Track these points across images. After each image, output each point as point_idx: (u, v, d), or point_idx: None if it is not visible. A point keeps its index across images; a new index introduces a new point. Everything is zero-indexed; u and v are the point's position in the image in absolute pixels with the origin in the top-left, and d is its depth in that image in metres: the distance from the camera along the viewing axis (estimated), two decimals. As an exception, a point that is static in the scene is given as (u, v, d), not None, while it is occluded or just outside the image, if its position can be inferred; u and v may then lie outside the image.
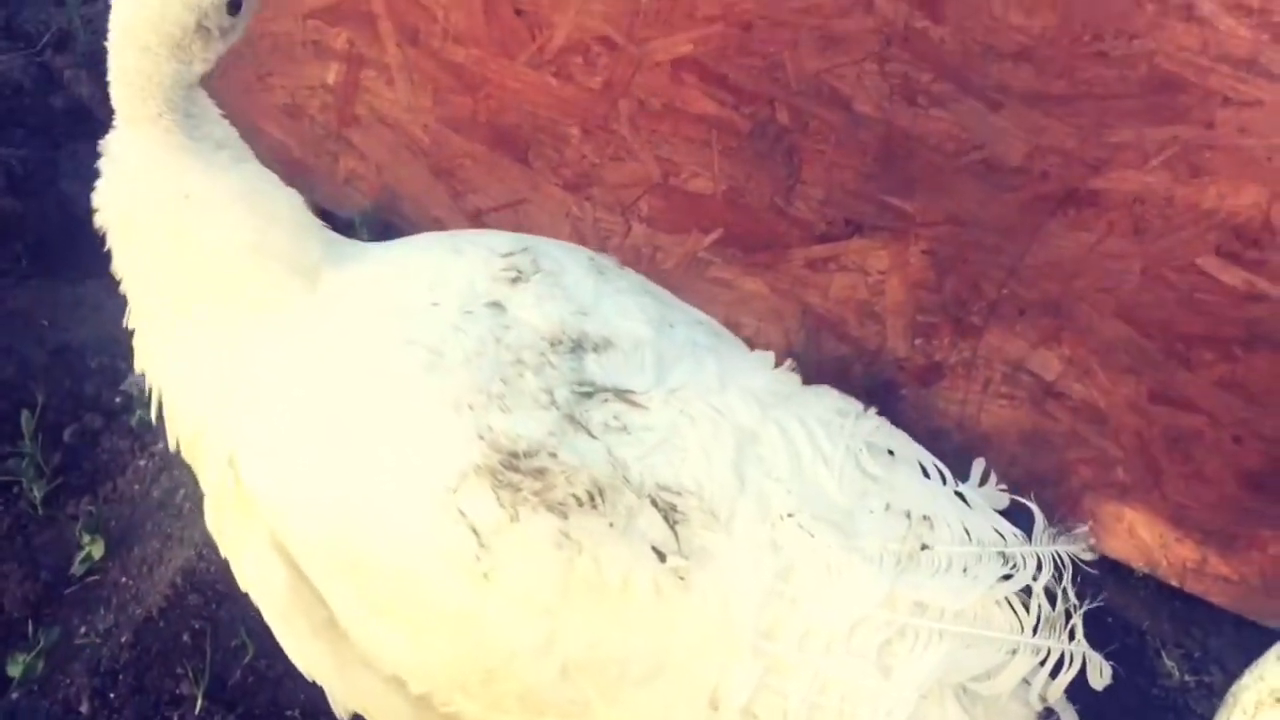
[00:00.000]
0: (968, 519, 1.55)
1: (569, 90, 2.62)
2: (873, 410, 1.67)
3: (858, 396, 2.64)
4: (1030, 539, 1.54)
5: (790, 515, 1.46)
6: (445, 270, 1.55)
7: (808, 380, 2.60)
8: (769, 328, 2.67)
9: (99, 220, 1.51)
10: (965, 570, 1.49)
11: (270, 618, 1.54)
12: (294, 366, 1.48)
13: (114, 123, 1.48)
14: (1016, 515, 1.61)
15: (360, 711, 1.62)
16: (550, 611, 1.40)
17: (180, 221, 1.45)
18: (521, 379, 1.45)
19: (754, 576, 1.42)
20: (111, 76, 1.45)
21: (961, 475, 1.67)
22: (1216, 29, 2.00)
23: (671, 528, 1.41)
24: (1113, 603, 2.55)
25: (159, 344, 1.53)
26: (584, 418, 1.44)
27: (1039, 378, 2.46)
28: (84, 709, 2.10)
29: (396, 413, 1.43)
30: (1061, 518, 1.57)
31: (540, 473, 1.39)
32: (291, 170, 3.13)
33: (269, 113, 3.05)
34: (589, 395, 1.46)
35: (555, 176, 2.74)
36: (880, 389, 2.61)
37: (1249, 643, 2.38)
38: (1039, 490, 2.57)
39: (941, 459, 2.55)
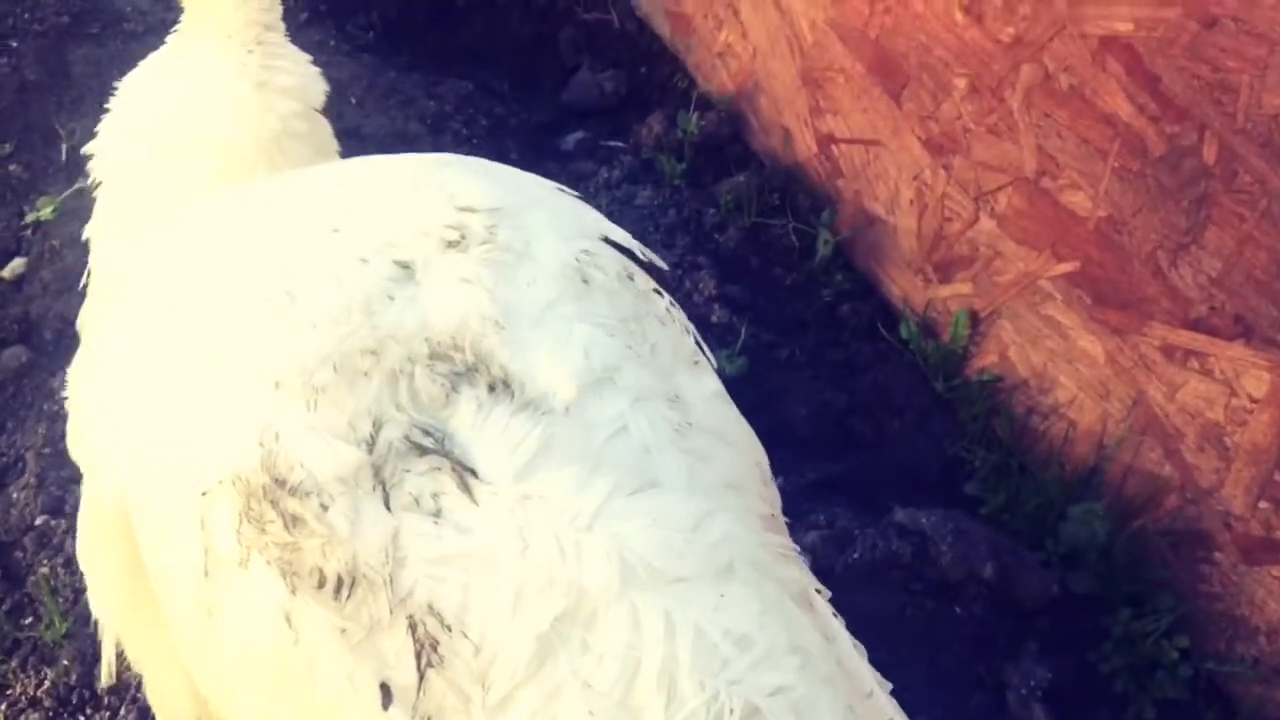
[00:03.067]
0: None
1: (973, 33, 2.12)
2: (827, 655, 1.07)
3: (1154, 535, 2.05)
4: None
5: None
6: (379, 198, 1.22)
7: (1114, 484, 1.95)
8: (1087, 402, 2.09)
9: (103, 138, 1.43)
10: None
11: (80, 543, 1.32)
12: (174, 257, 1.26)
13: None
14: None
15: (143, 677, 1.38)
16: (266, 691, 1.08)
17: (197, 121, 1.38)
18: (363, 380, 1.08)
19: None
20: None
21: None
22: None
23: (420, 669, 1.01)
24: None
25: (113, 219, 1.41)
26: (394, 479, 1.05)
27: None
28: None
29: (210, 358, 1.14)
30: None
31: (295, 523, 1.03)
32: (675, 25, 2.87)
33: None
34: (421, 452, 1.06)
35: (920, 128, 2.27)
36: (1186, 539, 1.99)
37: None
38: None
39: (1228, 660, 1.94)
